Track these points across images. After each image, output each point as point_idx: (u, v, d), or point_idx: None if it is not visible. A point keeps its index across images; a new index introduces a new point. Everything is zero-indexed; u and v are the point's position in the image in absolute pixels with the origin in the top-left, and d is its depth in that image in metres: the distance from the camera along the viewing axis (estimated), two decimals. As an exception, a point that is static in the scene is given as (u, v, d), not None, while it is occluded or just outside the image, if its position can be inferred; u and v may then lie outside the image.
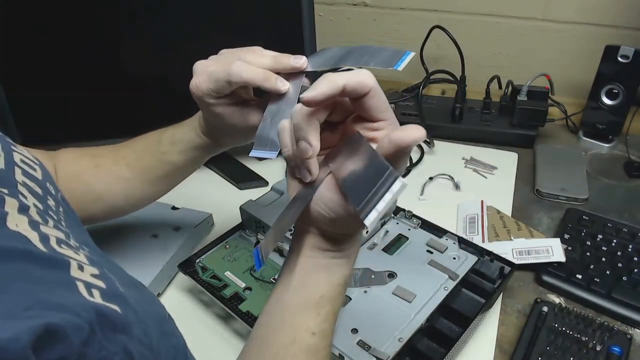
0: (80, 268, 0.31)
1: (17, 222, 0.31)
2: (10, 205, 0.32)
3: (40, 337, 0.23)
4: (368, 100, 0.37)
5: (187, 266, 0.63)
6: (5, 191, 0.33)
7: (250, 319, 0.55)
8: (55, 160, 0.58)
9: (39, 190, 0.38)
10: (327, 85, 0.35)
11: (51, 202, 0.38)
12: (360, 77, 0.36)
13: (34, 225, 0.31)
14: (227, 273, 0.61)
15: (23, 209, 0.33)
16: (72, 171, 0.58)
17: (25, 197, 0.35)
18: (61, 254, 0.31)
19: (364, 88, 0.36)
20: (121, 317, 0.30)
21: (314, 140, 0.36)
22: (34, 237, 0.30)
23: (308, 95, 0.34)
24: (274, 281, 0.60)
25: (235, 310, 0.56)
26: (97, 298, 0.29)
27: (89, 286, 0.29)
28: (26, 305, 0.25)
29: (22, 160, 0.39)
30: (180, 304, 0.64)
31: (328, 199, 0.37)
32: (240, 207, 0.68)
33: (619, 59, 0.86)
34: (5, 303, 0.24)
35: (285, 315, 0.40)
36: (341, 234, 0.39)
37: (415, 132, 0.32)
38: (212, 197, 0.84)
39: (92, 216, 0.59)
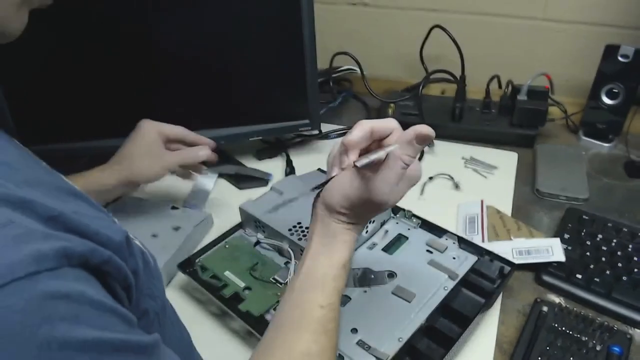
0: (114, 223, 0.36)
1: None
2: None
3: (127, 242, 0.32)
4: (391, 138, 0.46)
5: (187, 266, 0.63)
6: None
7: (249, 319, 0.55)
8: None
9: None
10: (360, 129, 0.44)
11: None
12: (385, 123, 0.45)
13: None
14: (227, 273, 0.61)
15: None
16: None
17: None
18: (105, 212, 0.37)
19: (388, 130, 0.45)
20: (154, 267, 0.37)
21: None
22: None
23: (346, 138, 0.44)
24: (273, 281, 0.60)
25: (234, 310, 0.56)
26: (139, 244, 0.36)
27: (129, 238, 0.35)
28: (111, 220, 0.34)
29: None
30: (179, 304, 0.64)
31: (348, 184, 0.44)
32: (240, 207, 0.68)
33: (619, 58, 0.86)
34: (104, 216, 0.33)
35: (294, 296, 0.45)
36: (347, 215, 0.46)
37: (428, 128, 0.42)
38: (212, 197, 0.84)
39: None
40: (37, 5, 0.40)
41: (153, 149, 0.66)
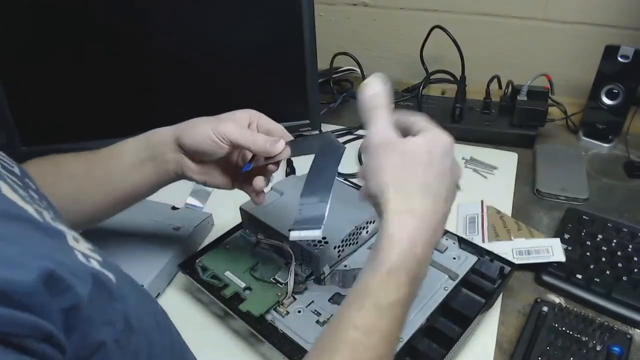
0: (76, 240, 0.31)
1: (10, 195, 0.31)
2: (1, 184, 0.32)
3: (50, 279, 0.25)
4: None
5: (187, 266, 0.63)
6: None
7: (250, 319, 0.55)
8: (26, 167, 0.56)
9: (20, 183, 0.38)
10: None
11: (33, 194, 0.38)
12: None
13: (25, 201, 0.32)
14: (227, 273, 0.61)
15: (13, 190, 0.33)
16: (34, 174, 0.55)
17: (11, 184, 0.35)
18: (56, 226, 0.31)
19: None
20: (116, 286, 0.31)
21: None
22: (29, 209, 0.31)
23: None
24: (274, 281, 0.60)
25: (235, 310, 0.56)
26: (95, 265, 0.30)
27: (85, 255, 0.30)
28: (35, 254, 0.26)
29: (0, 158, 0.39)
30: (180, 304, 0.64)
31: None
32: (240, 207, 0.68)
33: (619, 58, 0.86)
34: (16, 248, 0.25)
35: (338, 310, 0.40)
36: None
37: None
38: (212, 197, 0.84)
39: None
40: None
41: (221, 115, 0.54)
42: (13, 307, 0.22)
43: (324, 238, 0.61)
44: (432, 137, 0.41)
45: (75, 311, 0.26)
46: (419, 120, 0.43)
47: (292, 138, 0.55)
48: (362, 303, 0.37)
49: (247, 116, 0.55)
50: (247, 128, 0.54)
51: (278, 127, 0.55)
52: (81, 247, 0.31)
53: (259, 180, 0.56)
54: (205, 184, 0.57)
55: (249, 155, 0.57)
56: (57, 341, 0.24)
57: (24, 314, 0.23)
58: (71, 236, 0.32)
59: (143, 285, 0.61)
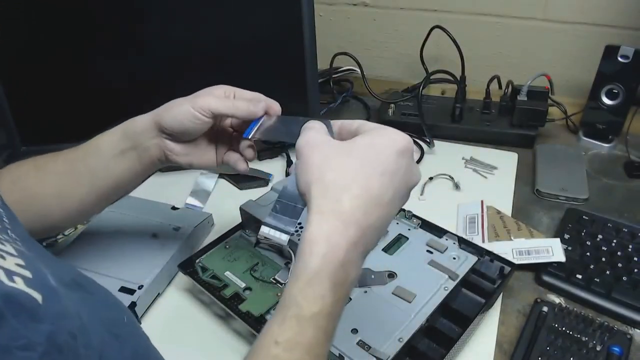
0: (2, 257, 0.29)
1: None
2: None
3: None
4: None
5: (187, 266, 0.63)
6: None
7: (250, 319, 0.55)
8: (2, 173, 0.56)
9: None
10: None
11: None
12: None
13: None
14: (227, 273, 0.61)
15: None
16: (13, 178, 0.54)
17: None
18: None
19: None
20: (42, 306, 0.28)
21: None
22: None
23: None
24: (274, 281, 0.60)
25: (235, 311, 0.56)
26: (19, 284, 0.28)
27: (9, 273, 0.28)
28: None
29: None
30: (180, 304, 0.64)
31: None
32: (240, 207, 0.68)
33: (619, 59, 0.86)
34: None
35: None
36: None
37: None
38: (212, 197, 0.84)
39: (28, 228, 0.42)
40: None
41: (196, 93, 0.53)
42: None
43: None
44: (378, 137, 0.39)
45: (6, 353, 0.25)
46: (365, 124, 0.42)
47: (275, 103, 0.55)
48: (284, 315, 0.35)
49: (222, 90, 0.54)
50: (225, 98, 0.53)
51: (255, 94, 0.54)
52: (7, 263, 0.29)
53: (249, 151, 0.56)
54: (191, 166, 0.56)
55: (229, 131, 0.57)
56: None
57: None
58: None
59: (143, 286, 0.61)
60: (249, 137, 0.53)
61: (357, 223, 0.36)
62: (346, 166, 0.37)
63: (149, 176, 0.57)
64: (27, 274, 0.29)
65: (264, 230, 0.42)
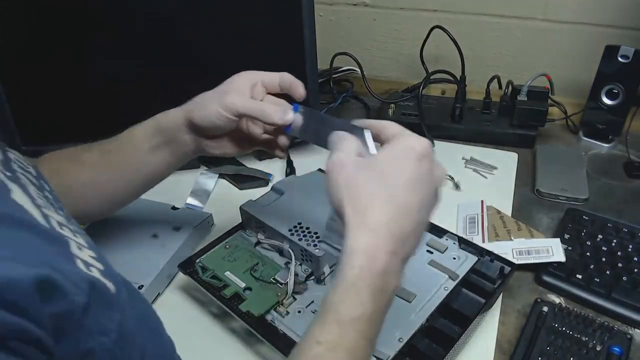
0: (79, 248, 0.32)
1: (19, 198, 0.32)
2: (13, 185, 0.33)
3: (43, 285, 0.25)
4: None
5: (187, 266, 0.63)
6: (9, 174, 0.35)
7: (250, 319, 0.55)
8: (37, 163, 0.57)
9: (37, 183, 0.39)
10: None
11: (48, 195, 0.39)
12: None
13: (35, 205, 0.33)
14: (227, 273, 0.61)
15: (24, 191, 0.34)
16: (52, 169, 0.55)
17: (25, 185, 0.36)
18: (61, 233, 0.32)
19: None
20: (114, 296, 0.31)
21: None
22: (36, 214, 0.31)
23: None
24: (274, 281, 0.60)
25: (235, 311, 0.56)
26: (96, 273, 0.30)
27: (87, 263, 0.31)
28: (30, 259, 0.26)
29: (16, 159, 0.41)
30: (180, 304, 0.64)
31: None
32: (240, 207, 0.68)
33: (619, 59, 0.86)
34: (8, 251, 0.26)
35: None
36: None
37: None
38: (212, 197, 0.84)
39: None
40: None
41: (222, 87, 0.54)
42: (1, 308, 0.23)
43: (324, 238, 0.61)
44: (396, 148, 0.40)
45: (67, 318, 0.26)
46: (389, 126, 0.43)
47: (301, 84, 0.53)
48: (325, 318, 0.36)
49: (247, 82, 0.54)
50: (250, 97, 0.54)
51: (285, 78, 0.54)
52: (83, 255, 0.31)
53: (282, 139, 0.56)
54: (225, 155, 0.58)
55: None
56: (45, 345, 0.25)
57: (12, 316, 0.23)
58: (75, 244, 0.32)
59: (143, 286, 0.61)
60: (290, 133, 0.53)
61: (391, 233, 0.37)
62: (371, 182, 0.38)
63: (183, 163, 0.60)
64: (99, 265, 0.32)
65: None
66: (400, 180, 0.38)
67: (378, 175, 0.39)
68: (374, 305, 0.36)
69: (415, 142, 0.40)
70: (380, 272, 0.36)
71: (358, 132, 0.44)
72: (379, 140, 0.44)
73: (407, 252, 0.38)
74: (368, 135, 0.44)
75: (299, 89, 0.53)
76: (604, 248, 0.67)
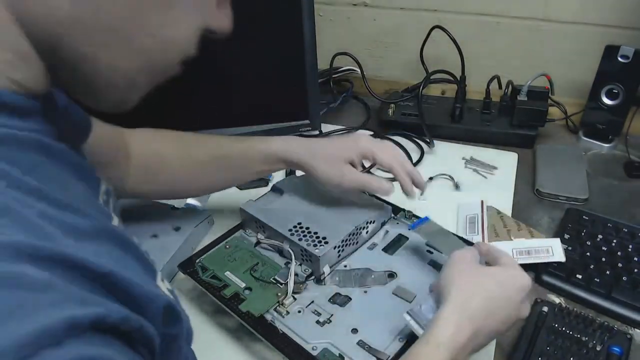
0: (162, 280, 0.37)
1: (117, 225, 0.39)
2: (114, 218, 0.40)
3: (168, 309, 0.32)
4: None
5: (187, 266, 0.63)
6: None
7: (250, 319, 0.55)
8: (129, 138, 0.64)
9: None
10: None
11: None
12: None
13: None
14: (227, 273, 0.61)
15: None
16: (153, 149, 0.65)
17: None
18: (151, 261, 0.38)
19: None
20: (180, 311, 0.36)
21: None
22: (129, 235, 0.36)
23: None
24: (274, 281, 0.60)
25: (235, 310, 0.56)
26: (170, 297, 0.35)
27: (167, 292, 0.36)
28: (154, 284, 0.34)
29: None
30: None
31: None
32: (240, 207, 0.68)
33: (619, 59, 0.86)
34: (144, 274, 0.34)
35: None
36: None
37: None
38: (212, 197, 0.84)
39: (157, 191, 0.68)
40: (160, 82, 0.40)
41: (337, 160, 0.63)
42: (150, 318, 0.29)
43: (324, 238, 0.61)
44: (508, 271, 0.49)
45: (174, 341, 0.33)
46: (504, 256, 0.51)
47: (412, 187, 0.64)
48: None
49: (363, 152, 0.63)
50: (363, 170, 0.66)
51: (397, 171, 0.63)
52: (164, 287, 0.36)
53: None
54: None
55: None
56: (154, 352, 0.29)
57: (149, 328, 0.28)
58: (159, 275, 0.37)
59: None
60: (414, 229, 0.62)
61: (475, 321, 0.44)
62: (479, 282, 0.47)
63: None
64: (172, 297, 0.36)
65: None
66: (499, 292, 0.46)
67: (485, 281, 0.47)
68: None
69: (522, 275, 0.48)
70: (461, 346, 0.43)
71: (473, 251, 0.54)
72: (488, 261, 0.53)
73: (476, 346, 0.45)
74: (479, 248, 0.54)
75: (413, 191, 0.64)
76: (604, 248, 0.67)
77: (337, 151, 0.62)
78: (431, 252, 0.63)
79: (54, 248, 0.25)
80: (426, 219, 0.63)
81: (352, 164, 0.63)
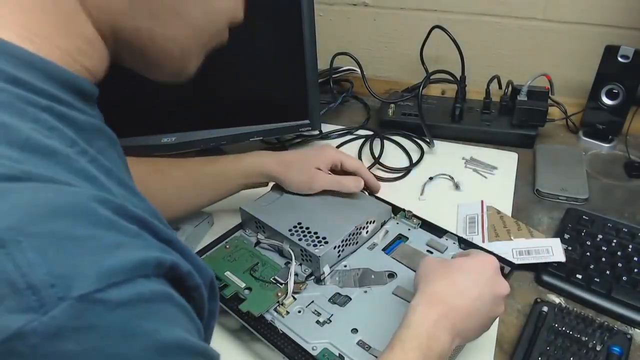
0: None
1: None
2: None
3: (212, 283, 0.36)
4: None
5: (187, 266, 0.63)
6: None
7: (250, 319, 0.55)
8: None
9: None
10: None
11: None
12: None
13: None
14: (227, 273, 0.61)
15: None
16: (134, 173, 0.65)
17: None
18: None
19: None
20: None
21: None
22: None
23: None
24: (274, 281, 0.60)
25: (235, 310, 0.56)
26: None
27: None
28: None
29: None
30: (180, 304, 0.64)
31: None
32: (240, 207, 0.68)
33: (619, 59, 0.86)
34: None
35: None
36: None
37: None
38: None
39: None
40: (213, 47, 0.45)
41: (311, 160, 0.68)
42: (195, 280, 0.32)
43: (324, 238, 0.61)
44: (472, 256, 0.51)
45: (212, 318, 0.36)
46: (472, 251, 0.55)
47: (378, 185, 0.71)
48: (392, 345, 0.45)
49: (330, 161, 0.69)
50: (331, 174, 0.69)
51: (362, 171, 0.69)
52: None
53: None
54: None
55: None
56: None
57: (203, 291, 0.32)
58: None
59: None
60: (389, 254, 0.64)
61: (443, 301, 0.47)
62: (443, 271, 0.50)
63: None
64: None
65: None
66: (462, 272, 0.49)
67: (447, 267, 0.50)
68: (427, 342, 0.45)
69: (484, 255, 0.52)
70: (428, 331, 0.45)
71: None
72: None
73: (456, 326, 0.46)
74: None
75: (376, 187, 0.70)
76: (604, 248, 0.67)
77: (307, 159, 0.68)
78: (431, 252, 0.63)
79: (135, 210, 0.29)
80: (399, 242, 0.65)
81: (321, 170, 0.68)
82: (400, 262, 0.62)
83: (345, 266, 0.62)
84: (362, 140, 0.98)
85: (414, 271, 0.60)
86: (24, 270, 0.21)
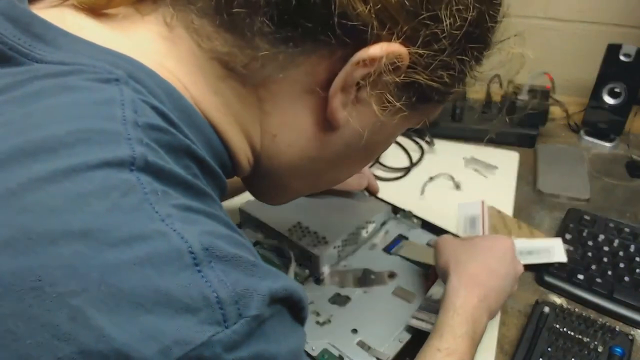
0: None
1: None
2: None
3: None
4: None
5: (186, 266, 0.63)
6: None
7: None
8: None
9: None
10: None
11: None
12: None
13: None
14: (227, 273, 0.61)
15: None
16: None
17: None
18: None
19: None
20: None
21: None
22: None
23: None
24: (273, 281, 0.59)
25: (234, 311, 0.56)
26: None
27: None
28: None
29: None
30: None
31: None
32: (240, 207, 0.67)
33: (621, 57, 0.85)
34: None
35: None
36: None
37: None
38: (212, 196, 0.83)
39: None
40: None
41: None
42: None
43: (324, 238, 0.60)
44: (488, 238, 0.56)
45: None
46: (478, 234, 0.61)
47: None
48: (441, 332, 0.46)
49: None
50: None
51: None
52: None
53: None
54: None
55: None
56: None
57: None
58: None
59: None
60: (391, 252, 0.64)
61: (481, 284, 0.49)
62: (470, 251, 0.53)
63: None
64: None
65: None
66: (491, 253, 0.52)
67: (476, 248, 0.53)
68: (473, 326, 0.47)
69: (501, 237, 0.56)
70: (472, 312, 0.47)
71: None
72: None
73: (492, 305, 0.49)
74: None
75: (375, 187, 0.72)
76: (605, 248, 0.67)
77: None
78: (431, 252, 0.63)
79: (241, 238, 0.31)
80: (398, 241, 0.65)
81: None
82: (403, 257, 0.61)
83: (345, 266, 0.61)
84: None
85: (418, 265, 0.60)
86: (214, 287, 0.25)
